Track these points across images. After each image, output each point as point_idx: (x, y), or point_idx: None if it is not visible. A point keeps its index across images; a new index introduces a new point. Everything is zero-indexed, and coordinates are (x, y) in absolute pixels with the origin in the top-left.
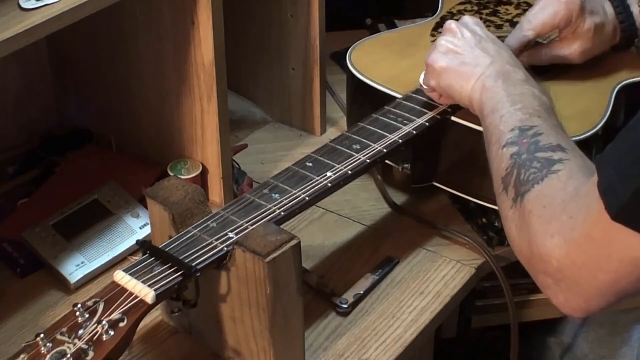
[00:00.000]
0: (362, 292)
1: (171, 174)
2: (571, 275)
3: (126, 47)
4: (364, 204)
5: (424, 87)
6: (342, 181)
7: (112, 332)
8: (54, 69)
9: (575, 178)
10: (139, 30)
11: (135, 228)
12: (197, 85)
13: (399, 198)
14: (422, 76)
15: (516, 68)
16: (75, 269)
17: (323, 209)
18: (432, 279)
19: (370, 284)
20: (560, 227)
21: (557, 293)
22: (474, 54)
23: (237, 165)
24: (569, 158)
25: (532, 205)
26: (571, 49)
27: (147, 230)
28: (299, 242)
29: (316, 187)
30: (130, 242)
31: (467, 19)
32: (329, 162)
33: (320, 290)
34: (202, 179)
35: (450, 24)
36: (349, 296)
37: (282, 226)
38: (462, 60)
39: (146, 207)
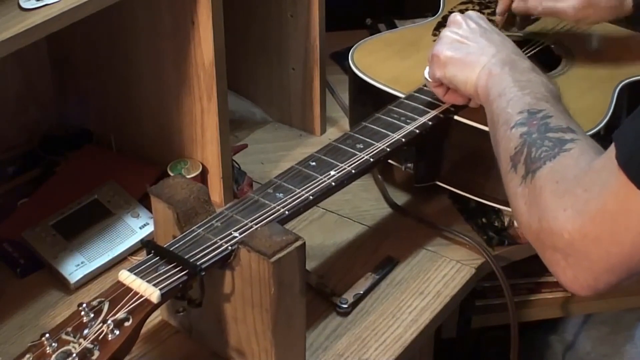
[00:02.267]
0: (362, 292)
1: (171, 174)
2: (582, 249)
3: (126, 47)
4: (364, 204)
5: (429, 80)
6: (346, 180)
7: (117, 332)
8: (54, 69)
9: (587, 154)
10: (139, 30)
11: (135, 228)
12: (197, 85)
13: (400, 198)
14: (426, 70)
15: (522, 58)
16: (75, 269)
17: (323, 209)
18: (432, 279)
19: (370, 284)
20: (574, 200)
21: (566, 269)
22: (479, 44)
23: (237, 165)
24: (580, 138)
25: (544, 181)
26: (565, 2)
27: (147, 230)
28: (304, 243)
29: (320, 186)
30: (130, 242)
31: (471, 12)
32: (333, 161)
33: (320, 290)
34: (202, 179)
35: (455, 16)
36: (349, 296)
37: None
38: (468, 50)
39: (146, 207)
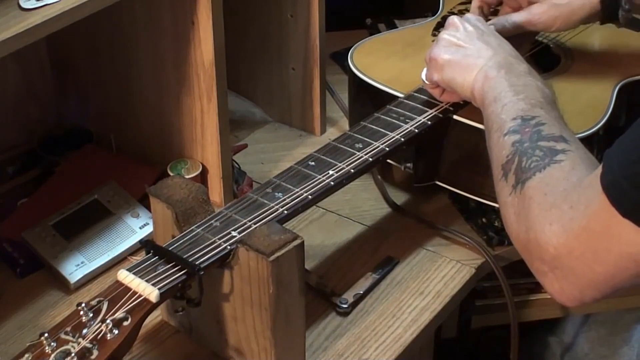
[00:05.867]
0: (362, 292)
1: (171, 174)
2: (568, 264)
3: (126, 47)
4: (364, 204)
5: (426, 82)
6: (345, 179)
7: (116, 331)
8: (54, 69)
9: (578, 169)
10: (139, 30)
11: (135, 228)
12: (197, 85)
13: (399, 198)
14: (423, 72)
15: (519, 60)
16: (75, 269)
17: (323, 209)
18: (432, 279)
19: (370, 284)
20: (560, 215)
21: (552, 281)
22: (477, 47)
23: (237, 165)
24: (572, 150)
25: (533, 192)
26: (530, 13)
27: (147, 230)
28: (303, 242)
29: (319, 186)
30: (130, 242)
31: (469, 15)
32: (332, 160)
33: (320, 290)
34: (202, 179)
35: (453, 18)
36: (349, 296)
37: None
38: (465, 52)
39: (146, 207)
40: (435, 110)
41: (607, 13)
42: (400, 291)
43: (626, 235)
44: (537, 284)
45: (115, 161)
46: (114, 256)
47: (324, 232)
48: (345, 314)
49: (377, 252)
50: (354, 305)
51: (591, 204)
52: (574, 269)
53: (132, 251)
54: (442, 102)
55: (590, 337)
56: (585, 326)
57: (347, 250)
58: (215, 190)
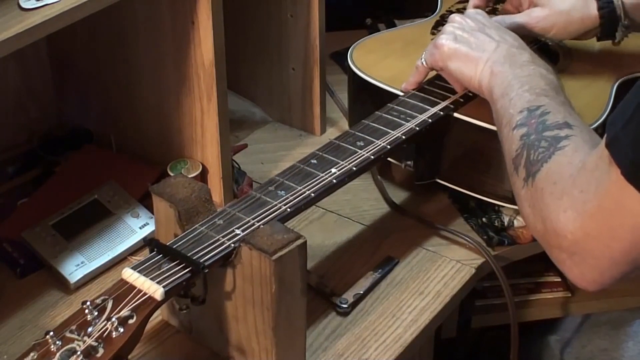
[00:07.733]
0: (362, 292)
1: (171, 174)
2: (585, 247)
3: (126, 47)
4: (364, 204)
5: (423, 64)
6: (347, 177)
7: (121, 329)
8: (54, 69)
9: (581, 151)
10: (139, 30)
11: (135, 228)
12: (197, 85)
13: (399, 198)
14: (422, 55)
15: (521, 50)
16: (75, 269)
17: (323, 209)
18: (432, 279)
19: (370, 284)
20: (572, 201)
21: (572, 267)
22: (480, 39)
23: (237, 165)
24: (575, 134)
25: (543, 183)
26: (530, 16)
27: (147, 230)
28: (305, 242)
29: (321, 184)
30: (130, 242)
31: (469, 10)
32: (334, 159)
33: (320, 290)
34: (202, 179)
35: (454, 15)
36: (349, 296)
37: None
38: (469, 45)
39: (146, 207)
40: (436, 108)
41: (606, 30)
42: (400, 291)
43: (636, 206)
44: (537, 283)
45: (115, 161)
46: (114, 256)
47: (324, 232)
48: (345, 314)
49: (377, 252)
50: (354, 305)
51: (600, 183)
52: (592, 251)
53: (132, 251)
54: (443, 100)
55: (590, 331)
56: (585, 324)
57: (347, 250)
58: (215, 191)
